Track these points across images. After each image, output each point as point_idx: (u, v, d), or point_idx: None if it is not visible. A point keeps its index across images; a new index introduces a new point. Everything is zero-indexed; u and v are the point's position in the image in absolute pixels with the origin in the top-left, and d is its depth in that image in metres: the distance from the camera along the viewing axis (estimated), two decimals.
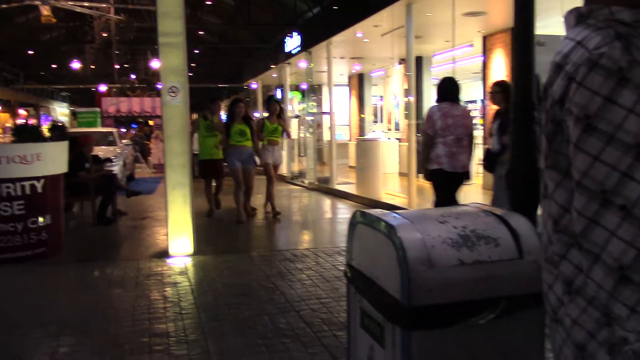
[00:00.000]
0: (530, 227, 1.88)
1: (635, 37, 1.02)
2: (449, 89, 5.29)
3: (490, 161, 4.64)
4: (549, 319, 1.21)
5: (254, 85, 21.99)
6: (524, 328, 1.83)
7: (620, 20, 1.07)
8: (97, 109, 21.69)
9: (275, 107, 8.41)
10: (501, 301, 1.74)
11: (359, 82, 17.88)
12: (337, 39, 12.09)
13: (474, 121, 6.03)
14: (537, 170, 2.32)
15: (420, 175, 6.48)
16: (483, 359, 1.80)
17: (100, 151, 10.78)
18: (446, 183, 5.11)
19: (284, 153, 16.40)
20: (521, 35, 2.28)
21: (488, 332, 1.77)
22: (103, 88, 23.62)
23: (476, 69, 12.59)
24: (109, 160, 10.27)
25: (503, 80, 5.38)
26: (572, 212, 1.05)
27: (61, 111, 38.26)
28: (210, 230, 7.66)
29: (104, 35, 15.43)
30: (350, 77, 18.48)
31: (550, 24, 7.31)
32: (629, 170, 0.95)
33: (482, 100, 11.83)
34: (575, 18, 1.14)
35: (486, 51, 11.11)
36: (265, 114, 8.81)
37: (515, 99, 2.35)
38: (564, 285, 1.14)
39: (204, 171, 8.66)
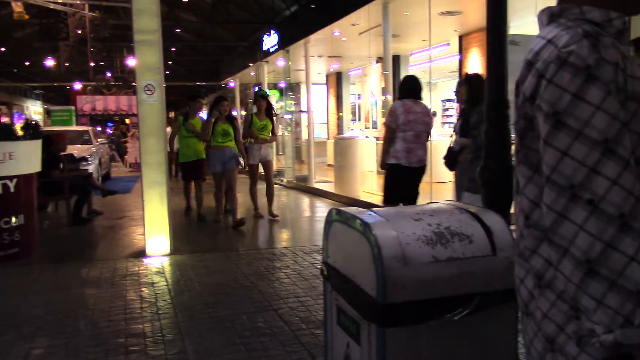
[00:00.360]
0: (504, 224, 1.90)
1: (603, 35, 1.05)
2: (411, 86, 5.45)
3: (450, 159, 4.73)
4: (521, 312, 1.24)
5: (231, 84, 21.89)
6: (497, 324, 1.85)
7: (590, 20, 1.09)
8: (72, 107, 21.37)
9: (262, 103, 7.89)
10: (475, 297, 1.77)
11: (337, 81, 17.92)
12: (315, 37, 12.10)
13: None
14: (510, 168, 2.35)
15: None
16: (458, 355, 1.82)
17: (75, 150, 10.64)
18: (404, 178, 5.26)
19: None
20: (494, 34, 2.31)
21: (462, 328, 1.79)
22: (78, 86, 23.26)
23: (453, 67, 12.72)
24: (84, 159, 10.13)
25: (467, 74, 5.20)
26: (542, 206, 1.07)
27: (35, 109, 37.62)
28: (188, 230, 7.61)
29: (79, 32, 15.17)
30: (328, 76, 18.51)
31: (525, 23, 7.42)
32: (596, 166, 0.97)
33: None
34: (548, 17, 1.16)
35: (462, 50, 11.23)
36: (253, 110, 8.22)
37: (488, 97, 2.38)
38: (534, 279, 1.16)
39: (187, 173, 8.34)
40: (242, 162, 7.65)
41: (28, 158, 5.95)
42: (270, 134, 7.92)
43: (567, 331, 1.09)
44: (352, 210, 1.96)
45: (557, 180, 1.02)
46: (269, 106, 8.00)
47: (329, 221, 2.08)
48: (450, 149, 4.78)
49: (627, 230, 0.95)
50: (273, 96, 18.23)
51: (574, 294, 1.01)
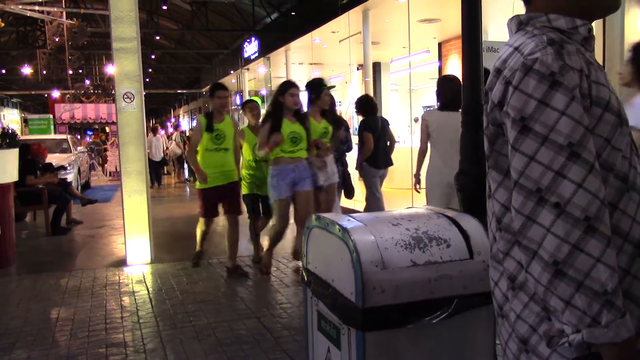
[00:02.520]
0: (481, 228, 1.94)
1: (568, 43, 1.08)
2: (373, 104, 6.43)
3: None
4: (496, 314, 1.26)
5: None
6: (475, 326, 1.88)
7: (556, 27, 1.12)
8: (50, 116, 21.12)
9: (325, 99, 5.10)
10: (453, 300, 1.79)
11: None
12: (296, 44, 12.14)
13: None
14: (486, 173, 2.39)
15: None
16: (437, 357, 1.85)
17: (54, 159, 10.51)
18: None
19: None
20: (469, 41, 2.36)
21: (441, 331, 1.82)
22: (56, 94, 23.02)
23: (433, 74, 12.84)
24: (62, 167, 10.01)
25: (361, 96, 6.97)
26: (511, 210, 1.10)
27: (12, 118, 37.06)
28: (169, 238, 7.55)
29: (57, 40, 15.03)
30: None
31: (503, 30, 7.52)
32: (562, 170, 1.00)
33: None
34: (516, 25, 1.19)
35: (442, 57, 11.35)
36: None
37: (464, 102, 2.42)
38: (508, 281, 1.19)
39: (210, 205, 5.39)
40: (320, 179, 5.00)
41: (4, 167, 5.86)
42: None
43: (540, 332, 1.11)
44: (331, 215, 1.98)
45: (524, 185, 1.05)
46: (332, 104, 5.55)
47: (308, 227, 2.10)
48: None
49: (593, 233, 0.98)
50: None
51: (543, 295, 1.04)
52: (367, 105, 6.34)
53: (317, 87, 5.14)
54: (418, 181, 4.96)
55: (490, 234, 1.26)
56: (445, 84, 4.57)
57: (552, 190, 1.01)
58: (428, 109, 9.18)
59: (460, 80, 3.02)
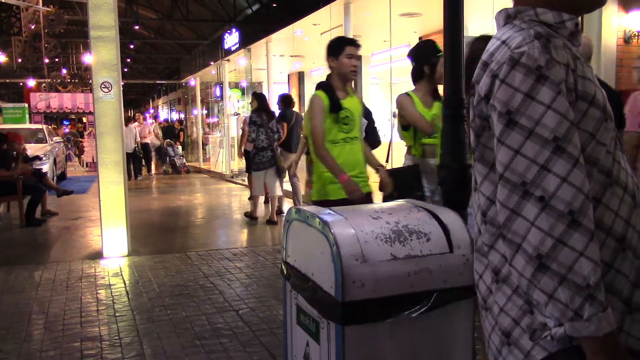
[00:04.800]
0: (460, 222, 1.93)
1: (555, 37, 1.07)
2: (289, 100, 7.87)
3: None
4: (480, 307, 1.26)
5: (192, 82, 21.60)
6: (454, 320, 1.88)
7: (544, 22, 1.12)
8: (25, 105, 20.71)
9: (441, 71, 3.10)
10: (433, 294, 1.79)
11: (299, 80, 17.89)
12: (277, 36, 12.06)
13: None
14: (466, 167, 2.39)
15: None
16: (417, 351, 1.84)
17: (29, 149, 10.32)
18: None
19: (222, 152, 16.21)
20: (450, 35, 2.35)
21: (420, 325, 1.81)
22: (32, 83, 22.58)
23: None
24: (37, 158, 9.82)
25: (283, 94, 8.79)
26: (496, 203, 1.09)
27: None
28: (146, 230, 7.46)
29: (32, 27, 14.70)
30: (290, 75, 18.47)
31: (483, 24, 7.56)
32: (547, 164, 1.00)
33: None
34: (504, 18, 1.19)
35: None
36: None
37: (445, 96, 2.42)
38: (492, 274, 1.19)
39: None
40: None
41: None
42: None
43: (522, 325, 1.11)
44: (311, 208, 1.96)
45: (509, 178, 1.04)
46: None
47: (288, 220, 2.07)
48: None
49: (577, 227, 0.98)
50: (235, 95, 18.04)
51: (527, 289, 1.04)
52: (286, 101, 8.54)
53: (430, 55, 3.36)
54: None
55: (475, 226, 1.26)
56: None
57: (536, 183, 1.00)
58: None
59: None
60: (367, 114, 5.93)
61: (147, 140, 15.70)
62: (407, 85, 3.63)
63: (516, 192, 1.03)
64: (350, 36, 9.09)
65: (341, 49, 3.41)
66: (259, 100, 7.83)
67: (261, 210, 8.36)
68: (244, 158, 9.39)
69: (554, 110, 1.01)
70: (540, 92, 1.02)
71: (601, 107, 1.09)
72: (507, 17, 1.18)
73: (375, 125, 5.78)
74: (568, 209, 0.98)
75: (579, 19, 1.17)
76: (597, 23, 6.17)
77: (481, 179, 1.20)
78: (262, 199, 8.34)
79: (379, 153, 4.11)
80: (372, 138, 5.43)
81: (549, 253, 0.99)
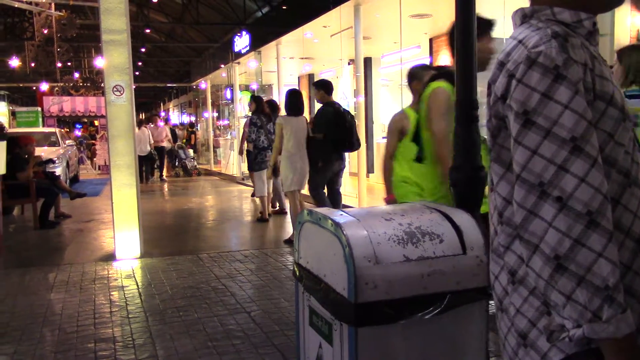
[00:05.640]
0: (473, 223, 1.92)
1: (572, 36, 1.07)
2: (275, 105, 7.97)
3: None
4: (496, 308, 1.25)
5: (203, 85, 21.69)
6: (468, 321, 1.87)
7: (561, 21, 1.11)
8: (38, 109, 20.91)
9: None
10: (446, 296, 1.78)
11: (309, 83, 17.90)
12: (287, 38, 12.07)
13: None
14: (479, 168, 2.38)
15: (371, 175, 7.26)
16: (429, 353, 1.84)
17: (42, 152, 10.41)
18: None
19: (233, 154, 16.24)
20: (462, 36, 2.34)
21: (433, 327, 1.81)
22: (44, 87, 22.77)
23: None
24: (51, 161, 9.91)
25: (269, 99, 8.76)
26: (513, 204, 1.09)
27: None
28: (158, 232, 7.50)
29: (45, 32, 14.85)
30: (300, 77, 18.49)
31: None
32: (565, 164, 0.99)
33: None
34: (520, 18, 1.18)
35: (433, 53, 11.33)
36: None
37: (457, 98, 2.41)
38: (508, 275, 1.18)
39: None
40: None
41: None
42: None
43: (539, 327, 1.10)
44: (324, 210, 1.96)
45: (527, 178, 1.03)
46: None
47: (300, 222, 2.08)
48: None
49: (595, 227, 0.97)
50: (245, 97, 18.07)
51: (544, 290, 1.03)
52: (272, 106, 8.79)
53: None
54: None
55: (491, 227, 1.25)
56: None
57: (554, 184, 1.00)
58: None
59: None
60: (343, 115, 6.04)
61: (164, 144, 15.71)
62: None
63: (533, 192, 1.02)
64: (360, 38, 9.09)
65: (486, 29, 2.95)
66: (258, 103, 8.27)
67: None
68: (244, 157, 9.79)
69: (572, 110, 1.00)
70: (558, 91, 1.01)
71: (619, 107, 1.08)
72: (523, 17, 1.17)
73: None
74: (586, 210, 0.97)
75: (596, 18, 1.16)
76: (610, 22, 6.13)
77: (497, 179, 1.20)
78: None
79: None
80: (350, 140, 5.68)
81: (567, 254, 0.98)
